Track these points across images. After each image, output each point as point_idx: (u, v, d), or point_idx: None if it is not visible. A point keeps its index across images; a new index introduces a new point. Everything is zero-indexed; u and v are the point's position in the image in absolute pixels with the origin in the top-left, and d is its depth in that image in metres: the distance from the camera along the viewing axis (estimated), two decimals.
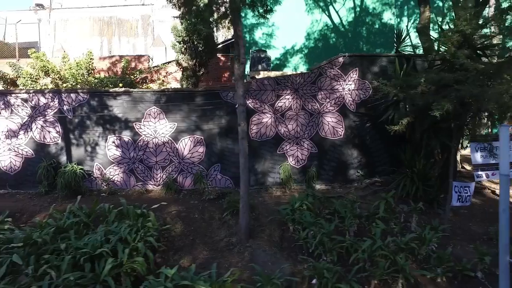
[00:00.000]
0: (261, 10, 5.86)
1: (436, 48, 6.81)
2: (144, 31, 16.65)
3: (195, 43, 10.07)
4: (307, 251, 5.16)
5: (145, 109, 7.70)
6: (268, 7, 5.92)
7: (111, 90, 7.76)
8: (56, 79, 11.65)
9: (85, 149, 7.72)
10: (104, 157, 7.74)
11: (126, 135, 7.73)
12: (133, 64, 12.59)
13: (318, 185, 7.90)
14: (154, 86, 12.00)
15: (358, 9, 11.84)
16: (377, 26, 11.75)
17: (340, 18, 11.93)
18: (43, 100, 7.57)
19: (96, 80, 11.57)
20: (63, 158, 7.69)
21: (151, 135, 7.75)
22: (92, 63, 11.99)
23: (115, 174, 7.76)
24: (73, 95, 7.59)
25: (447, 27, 5.83)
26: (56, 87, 11.55)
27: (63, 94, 7.58)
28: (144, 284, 3.79)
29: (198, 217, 6.34)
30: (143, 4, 16.38)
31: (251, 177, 7.92)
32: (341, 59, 7.85)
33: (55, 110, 7.60)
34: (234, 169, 7.93)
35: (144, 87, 11.73)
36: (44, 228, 4.96)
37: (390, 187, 7.07)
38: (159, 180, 7.82)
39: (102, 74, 12.51)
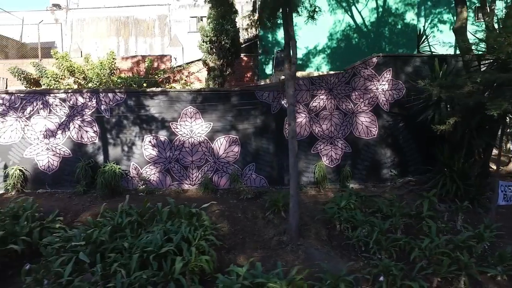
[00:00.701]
0: (310, 10, 5.91)
1: (473, 48, 6.85)
2: (161, 31, 16.70)
3: (223, 43, 10.11)
4: (359, 249, 5.21)
5: (182, 108, 7.75)
6: (317, 7, 5.97)
7: (148, 90, 7.81)
8: (79, 79, 11.73)
9: (122, 148, 7.78)
10: (141, 157, 7.79)
11: (163, 135, 7.78)
12: (155, 64, 12.65)
13: (352, 184, 7.95)
14: (177, 86, 12.06)
15: (380, 9, 11.90)
16: (399, 26, 11.81)
17: (363, 18, 11.99)
18: (81, 100, 7.62)
19: (119, 80, 11.64)
20: (100, 158, 7.75)
21: (187, 134, 7.80)
22: (115, 63, 12.07)
23: (151, 173, 7.81)
24: (110, 95, 7.64)
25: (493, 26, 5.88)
26: (79, 87, 11.64)
27: (100, 94, 7.63)
28: (219, 281, 3.84)
29: (242, 216, 6.39)
30: (159, 4, 16.41)
31: (284, 177, 8.01)
32: (375, 60, 7.91)
33: (93, 110, 7.66)
34: (269, 168, 8.01)
35: (167, 87, 11.78)
36: (101, 227, 5.01)
37: (427, 186, 7.12)
38: (195, 180, 7.88)
39: (124, 74, 12.57)
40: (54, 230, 5.42)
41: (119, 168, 7.47)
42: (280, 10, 5.72)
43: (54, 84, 11.80)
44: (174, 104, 7.74)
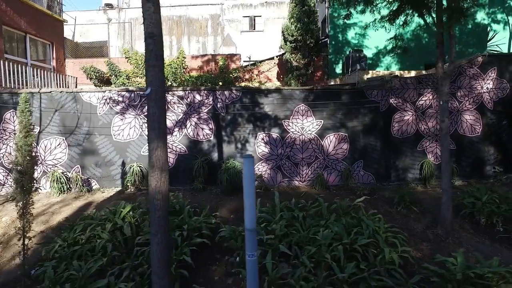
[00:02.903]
0: None
1: None
2: (213, 30, 16.81)
3: (308, 42, 10.27)
4: None
5: (294, 106, 7.90)
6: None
7: (263, 87, 7.95)
8: (140, 75, 11.83)
9: (235, 146, 7.91)
10: (253, 154, 7.93)
11: (275, 132, 7.93)
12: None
13: (456, 181, 8.11)
14: (250, 85, 12.20)
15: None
16: (470, 26, 11.98)
17: (433, 18, 12.12)
18: (198, 98, 7.76)
19: (192, 79, 11.79)
20: (215, 155, 7.88)
21: (298, 132, 7.95)
22: (185, 61, 12.20)
23: (263, 170, 7.95)
24: (226, 93, 7.78)
25: None
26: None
27: (217, 92, 7.77)
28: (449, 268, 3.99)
29: (377, 212, 6.53)
30: (212, 4, 16.53)
31: (391, 173, 8.18)
32: (480, 59, 8.09)
33: (209, 108, 7.79)
34: (376, 165, 8.17)
35: (242, 85, 11.92)
36: (277, 222, 5.16)
37: None
38: (305, 176, 8.03)
39: (195, 73, 12.70)
40: (211, 225, 5.53)
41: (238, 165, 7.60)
42: None
43: (128, 82, 11.94)
44: (287, 102, 7.89)
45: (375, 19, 8.00)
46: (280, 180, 8.00)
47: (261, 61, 12.64)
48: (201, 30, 16.85)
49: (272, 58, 12.44)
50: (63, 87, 12.15)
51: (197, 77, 11.89)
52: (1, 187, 7.64)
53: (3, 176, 7.62)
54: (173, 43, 16.99)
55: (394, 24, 7.14)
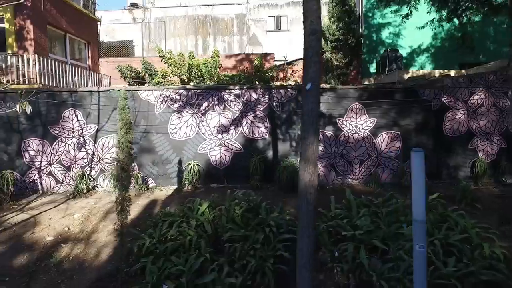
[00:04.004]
0: None
1: None
2: (239, 29, 16.87)
3: (349, 42, 10.33)
4: None
5: (348, 105, 7.96)
6: None
7: None
8: (184, 75, 11.88)
9: (290, 144, 7.97)
10: None
11: (329, 131, 7.98)
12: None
13: (506, 179, 8.18)
14: (284, 84, 12.25)
15: (486, 8, 12.12)
16: (505, 25, 12.06)
17: (468, 17, 12.22)
18: (254, 96, 7.81)
19: (227, 78, 11.84)
20: (270, 153, 7.94)
21: (352, 130, 8.01)
22: (219, 60, 12.25)
23: None
24: (282, 91, 7.83)
25: None
26: (182, 83, 11.84)
27: (273, 90, 7.82)
28: None
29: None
30: (237, 4, 16.59)
31: (443, 171, 8.24)
32: None
33: (265, 106, 7.84)
34: (428, 163, 8.08)
35: (276, 84, 11.99)
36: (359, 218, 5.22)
37: None
38: (358, 174, 8.08)
39: (228, 72, 12.76)
40: (288, 221, 5.57)
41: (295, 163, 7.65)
42: None
43: (163, 82, 11.99)
44: (341, 100, 7.95)
45: (433, 19, 8.10)
46: (334, 178, 8.05)
47: (295, 60, 12.70)
48: (227, 29, 16.91)
49: (328, 59, 12.49)
50: (97, 86, 12.19)
51: (231, 76, 11.95)
52: (59, 185, 7.67)
53: (62, 174, 7.66)
54: (199, 43, 17.05)
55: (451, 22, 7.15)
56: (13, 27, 9.22)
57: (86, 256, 5.18)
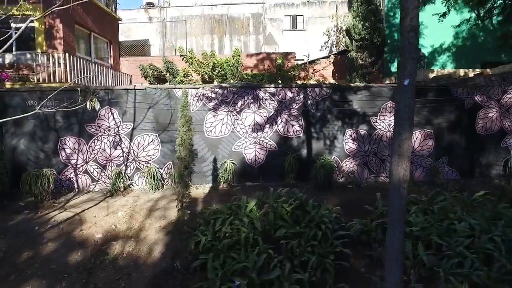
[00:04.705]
0: None
1: None
2: (255, 29, 16.88)
3: (375, 41, 10.35)
4: None
5: (382, 103, 7.98)
6: None
7: (352, 85, 8.03)
8: (207, 74, 11.91)
9: (324, 142, 7.99)
10: (341, 150, 8.01)
11: (363, 129, 8.01)
12: (279, 61, 12.84)
13: None
14: (305, 83, 12.28)
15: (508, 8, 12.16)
16: None
17: (490, 17, 12.26)
18: (289, 94, 7.82)
19: (248, 77, 11.87)
20: (304, 151, 7.95)
21: (385, 129, 8.03)
22: (240, 59, 12.28)
23: (350, 166, 8.03)
24: (317, 90, 7.85)
25: None
26: (204, 82, 11.86)
27: (308, 89, 7.84)
28: None
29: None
30: (254, 3, 16.59)
31: (475, 169, 8.27)
32: None
33: (300, 104, 7.86)
34: (460, 161, 8.25)
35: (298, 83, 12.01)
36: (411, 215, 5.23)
37: None
38: None
39: (249, 71, 12.78)
40: (334, 219, 5.58)
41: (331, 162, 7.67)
42: None
43: (186, 80, 12.01)
44: (375, 99, 7.97)
45: (470, 17, 8.11)
46: (367, 176, 8.07)
47: (317, 59, 12.71)
48: (243, 29, 16.92)
49: (328, 57, 12.52)
50: (119, 84, 12.20)
51: (253, 75, 11.97)
52: (95, 183, 7.68)
53: (97, 172, 7.67)
54: (215, 42, 17.05)
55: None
56: (43, 26, 9.23)
57: (139, 254, 5.19)
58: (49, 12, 4.77)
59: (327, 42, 16.36)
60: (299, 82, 12.46)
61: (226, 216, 5.42)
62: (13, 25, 9.78)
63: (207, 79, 12.16)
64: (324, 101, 7.89)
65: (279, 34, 16.69)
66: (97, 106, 4.66)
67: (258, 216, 5.55)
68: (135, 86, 7.64)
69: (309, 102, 7.87)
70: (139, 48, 16.48)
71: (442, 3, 9.54)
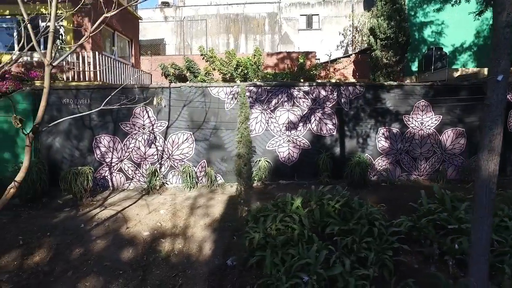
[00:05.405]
0: None
1: None
2: (271, 28, 16.90)
3: (400, 40, 10.37)
4: None
5: (414, 102, 8.00)
6: None
7: (385, 83, 8.03)
8: (228, 73, 11.91)
9: (357, 140, 8.00)
10: (374, 149, 8.02)
11: (395, 127, 8.02)
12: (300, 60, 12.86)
13: None
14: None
15: None
16: None
17: None
18: (323, 93, 7.83)
19: (270, 76, 11.88)
20: (337, 150, 7.96)
21: (417, 127, 8.04)
22: (261, 59, 12.30)
23: (382, 164, 8.04)
24: (350, 88, 7.87)
25: None
26: (224, 81, 11.87)
27: (341, 87, 7.85)
28: None
29: None
30: (269, 2, 16.61)
31: (507, 167, 8.28)
32: None
33: (333, 103, 7.87)
34: None
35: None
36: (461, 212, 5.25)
37: None
38: (422, 171, 8.11)
39: (269, 70, 12.80)
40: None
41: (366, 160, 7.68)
42: None
43: (207, 79, 12.02)
44: (408, 97, 7.98)
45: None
46: (399, 174, 8.09)
47: (338, 58, 12.73)
48: (258, 28, 16.94)
49: (348, 56, 12.54)
50: (140, 83, 12.21)
51: (274, 74, 11.99)
52: (129, 181, 7.69)
53: (132, 170, 7.68)
54: (230, 41, 17.07)
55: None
56: (71, 25, 9.23)
57: (189, 251, 5.20)
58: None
59: (342, 42, 16.39)
60: (319, 81, 12.47)
61: (273, 214, 5.43)
62: (41, 23, 9.82)
63: (228, 78, 12.17)
64: (358, 99, 7.91)
65: (295, 34, 16.70)
66: (163, 103, 4.67)
67: (304, 213, 5.56)
68: (170, 84, 7.65)
69: (342, 100, 7.88)
70: (155, 48, 16.50)
71: (477, 3, 9.57)
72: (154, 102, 4.73)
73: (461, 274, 4.58)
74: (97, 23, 3.97)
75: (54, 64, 3.66)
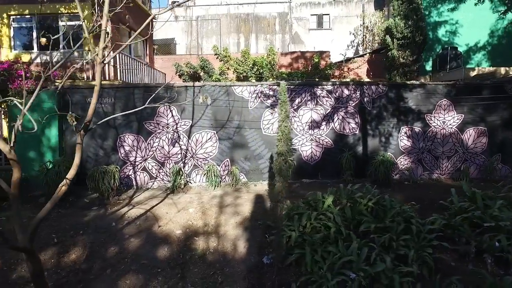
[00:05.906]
0: None
1: None
2: (281, 28, 16.91)
3: (417, 39, 10.37)
4: None
5: (437, 101, 8.01)
6: None
7: (408, 82, 8.05)
8: (243, 72, 11.91)
9: (380, 139, 8.01)
10: (396, 147, 8.03)
11: (417, 126, 8.03)
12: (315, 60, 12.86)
13: None
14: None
15: None
16: None
17: None
18: (346, 92, 7.85)
19: (284, 75, 11.88)
20: (359, 149, 7.98)
21: (439, 126, 8.06)
22: (275, 58, 12.29)
23: (404, 163, 8.05)
24: (373, 87, 7.88)
25: None
26: (238, 80, 11.87)
27: (364, 86, 7.86)
28: None
29: None
30: (280, 2, 16.62)
31: None
32: None
33: (356, 102, 7.88)
34: None
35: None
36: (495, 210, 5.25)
37: None
38: (444, 170, 8.13)
39: (283, 69, 12.80)
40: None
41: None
42: None
43: (222, 78, 12.02)
44: (430, 96, 7.99)
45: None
46: (421, 173, 8.10)
47: (353, 58, 12.74)
48: (269, 28, 16.94)
49: (363, 55, 12.56)
50: (154, 82, 12.21)
51: (289, 74, 11.99)
52: (153, 180, 7.70)
53: (156, 169, 7.68)
54: (241, 41, 17.08)
55: None
56: (91, 24, 9.22)
57: (224, 249, 5.20)
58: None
59: (353, 42, 16.40)
60: (333, 80, 12.46)
61: (308, 212, 5.44)
62: (60, 23, 9.82)
63: (242, 78, 12.17)
64: (380, 98, 7.92)
65: (305, 33, 16.71)
66: (209, 101, 4.69)
67: (337, 212, 5.57)
68: (194, 83, 7.65)
69: (365, 99, 7.89)
70: (165, 47, 16.49)
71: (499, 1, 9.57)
72: (201, 100, 4.75)
73: (501, 272, 4.60)
74: (145, 23, 3.96)
75: (105, 62, 3.66)
